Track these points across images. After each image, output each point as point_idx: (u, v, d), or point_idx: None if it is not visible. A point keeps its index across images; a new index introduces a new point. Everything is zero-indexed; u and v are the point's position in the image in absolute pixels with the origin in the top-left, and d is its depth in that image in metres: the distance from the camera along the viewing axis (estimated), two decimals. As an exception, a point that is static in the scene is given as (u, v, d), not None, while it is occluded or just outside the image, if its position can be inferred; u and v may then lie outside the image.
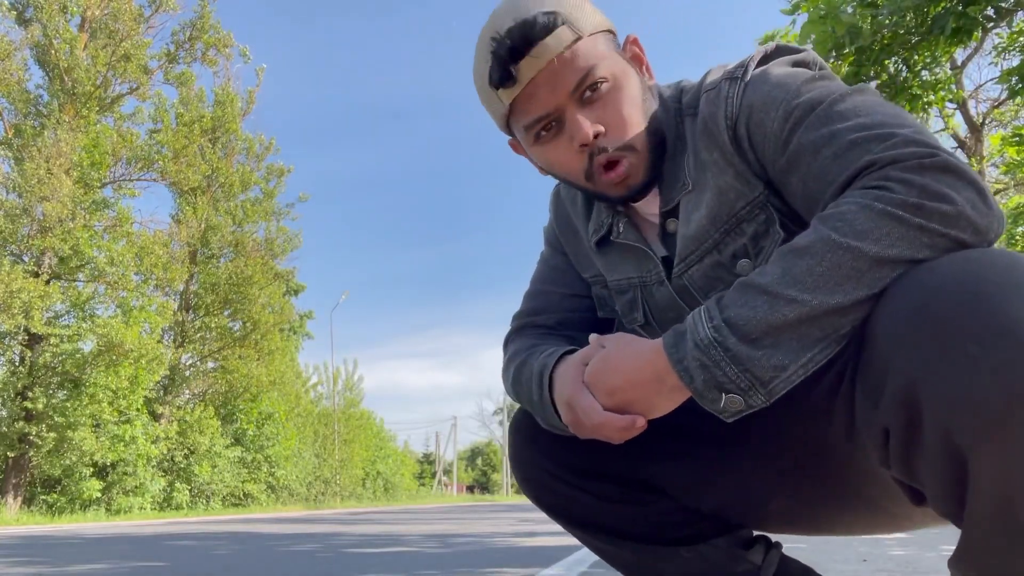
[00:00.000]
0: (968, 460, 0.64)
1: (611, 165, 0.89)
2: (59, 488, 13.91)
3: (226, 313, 18.27)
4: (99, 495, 13.95)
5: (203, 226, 17.66)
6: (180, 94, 17.33)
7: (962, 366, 0.62)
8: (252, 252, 18.45)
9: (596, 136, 0.88)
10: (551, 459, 1.04)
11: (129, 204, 16.48)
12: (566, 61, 0.86)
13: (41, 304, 12.83)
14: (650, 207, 0.98)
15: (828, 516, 1.04)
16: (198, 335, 17.97)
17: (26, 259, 13.80)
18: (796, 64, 0.89)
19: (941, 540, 4.23)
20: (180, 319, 17.34)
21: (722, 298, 0.75)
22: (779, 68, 0.88)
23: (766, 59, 0.90)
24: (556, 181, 1.07)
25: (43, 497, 13.74)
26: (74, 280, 14.47)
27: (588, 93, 0.88)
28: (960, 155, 17.19)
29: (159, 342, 15.47)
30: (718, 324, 0.73)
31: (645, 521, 1.04)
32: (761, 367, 0.71)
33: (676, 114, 0.94)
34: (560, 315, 1.09)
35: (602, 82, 0.88)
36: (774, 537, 1.11)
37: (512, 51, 0.86)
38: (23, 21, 14.36)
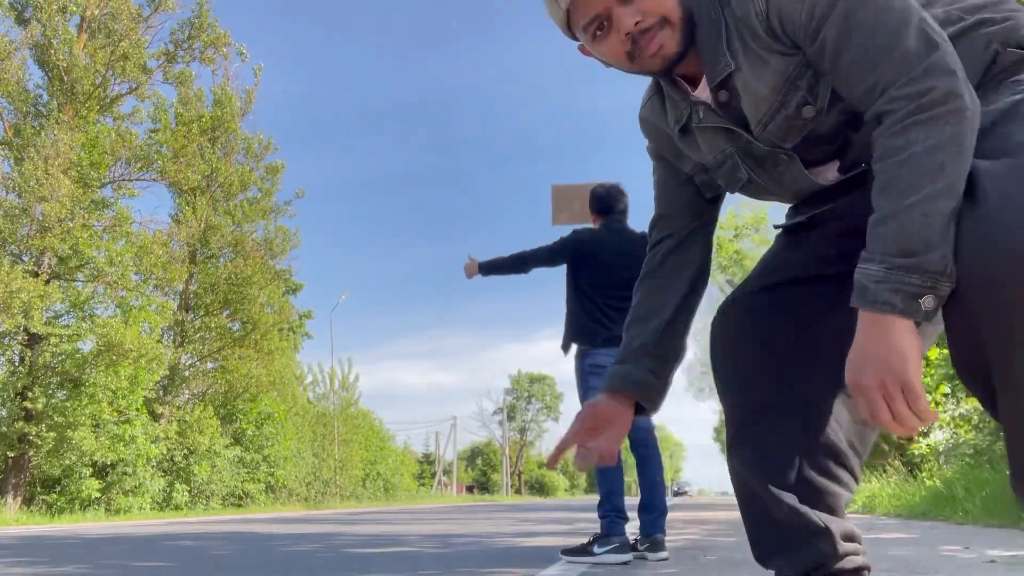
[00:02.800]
0: None
1: (650, 41, 1.12)
2: (59, 488, 13.90)
3: (225, 313, 18.26)
4: (98, 495, 13.94)
5: (202, 226, 17.65)
6: (179, 93, 17.32)
7: None
8: (251, 252, 18.43)
9: (636, 24, 1.11)
10: None
11: (128, 204, 16.50)
12: None
13: (41, 304, 12.81)
14: (703, 93, 1.19)
15: None
16: (198, 335, 17.96)
17: (25, 259, 13.79)
18: None
19: (941, 540, 4.24)
20: (180, 319, 17.33)
21: (865, 250, 0.94)
22: None
23: None
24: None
25: (43, 497, 13.74)
26: (73, 280, 14.46)
27: None
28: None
29: (159, 342, 15.46)
30: (879, 260, 0.92)
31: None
32: (928, 261, 0.89)
33: (716, 1, 1.14)
34: (680, 200, 1.39)
35: None
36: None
37: None
38: (22, 21, 14.35)
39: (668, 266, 1.42)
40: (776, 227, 1.36)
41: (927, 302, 0.89)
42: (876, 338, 0.93)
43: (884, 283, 0.91)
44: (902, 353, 0.91)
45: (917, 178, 0.90)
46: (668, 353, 1.33)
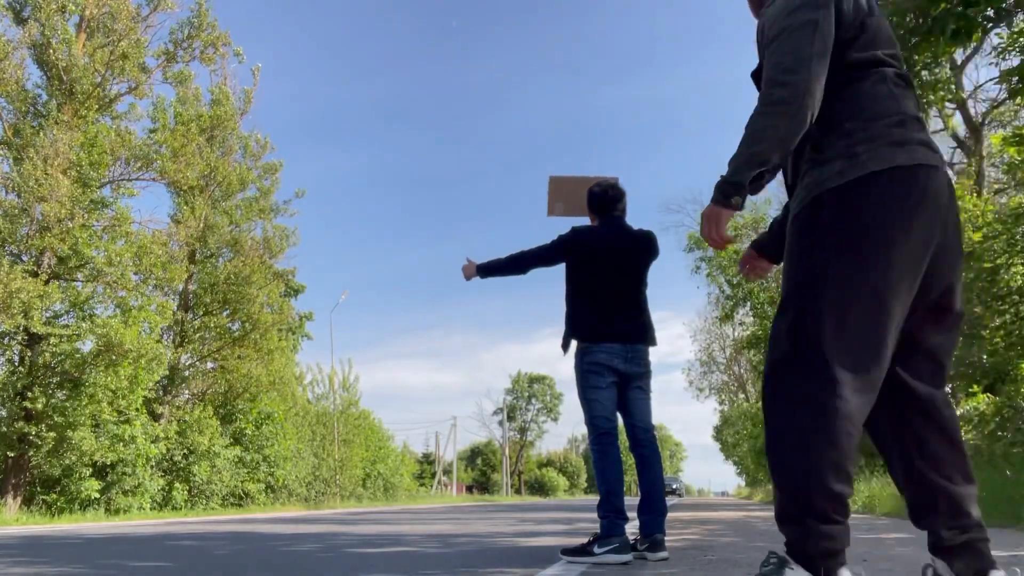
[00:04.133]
0: None
1: None
2: (58, 488, 13.87)
3: (225, 313, 18.24)
4: (98, 495, 13.92)
5: (201, 225, 17.62)
6: (178, 93, 17.30)
7: None
8: (250, 252, 18.41)
9: None
10: None
11: (128, 204, 16.46)
12: None
13: (40, 304, 12.79)
14: None
15: None
16: (197, 335, 17.94)
17: (25, 259, 13.77)
18: None
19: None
20: (179, 319, 17.31)
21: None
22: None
23: None
24: None
25: (43, 497, 13.71)
26: (73, 280, 14.43)
27: None
28: (959, 155, 17.00)
29: (158, 342, 15.43)
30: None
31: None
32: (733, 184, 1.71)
33: None
34: None
35: None
36: None
37: None
38: (20, 20, 14.32)
39: None
40: None
41: (735, 200, 1.69)
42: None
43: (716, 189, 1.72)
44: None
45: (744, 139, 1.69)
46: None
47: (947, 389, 1.76)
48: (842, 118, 1.68)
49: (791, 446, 1.59)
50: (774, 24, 1.72)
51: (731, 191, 1.68)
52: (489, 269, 3.69)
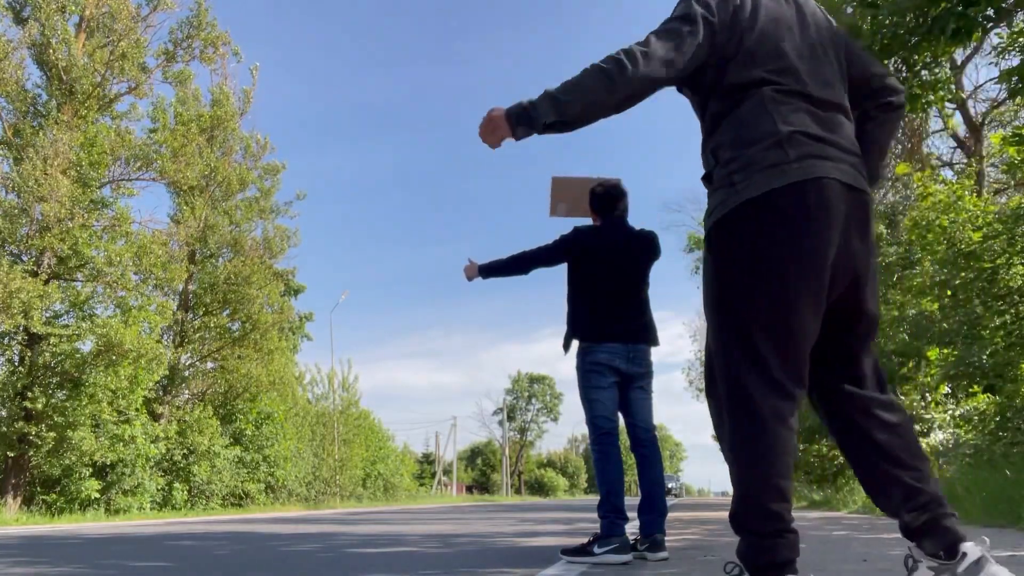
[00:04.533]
0: None
1: None
2: (58, 488, 13.87)
3: (225, 313, 18.24)
4: (98, 495, 13.92)
5: (201, 226, 17.61)
6: (178, 93, 17.29)
7: None
8: (250, 252, 18.42)
9: None
10: None
11: (128, 204, 16.45)
12: None
13: (40, 304, 12.79)
14: None
15: None
16: (197, 335, 17.94)
17: (25, 259, 13.77)
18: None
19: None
20: (179, 319, 17.31)
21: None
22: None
23: None
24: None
25: (42, 497, 13.71)
26: (73, 280, 14.44)
27: None
28: (959, 155, 16.95)
29: (158, 342, 15.43)
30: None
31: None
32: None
33: None
34: None
35: None
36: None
37: None
38: (20, 20, 14.32)
39: None
40: None
41: (520, 131, 1.72)
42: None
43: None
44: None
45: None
46: None
47: (890, 392, 1.82)
48: (724, 147, 1.72)
49: (732, 466, 1.67)
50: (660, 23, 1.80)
51: (524, 120, 1.70)
52: (491, 270, 3.70)
